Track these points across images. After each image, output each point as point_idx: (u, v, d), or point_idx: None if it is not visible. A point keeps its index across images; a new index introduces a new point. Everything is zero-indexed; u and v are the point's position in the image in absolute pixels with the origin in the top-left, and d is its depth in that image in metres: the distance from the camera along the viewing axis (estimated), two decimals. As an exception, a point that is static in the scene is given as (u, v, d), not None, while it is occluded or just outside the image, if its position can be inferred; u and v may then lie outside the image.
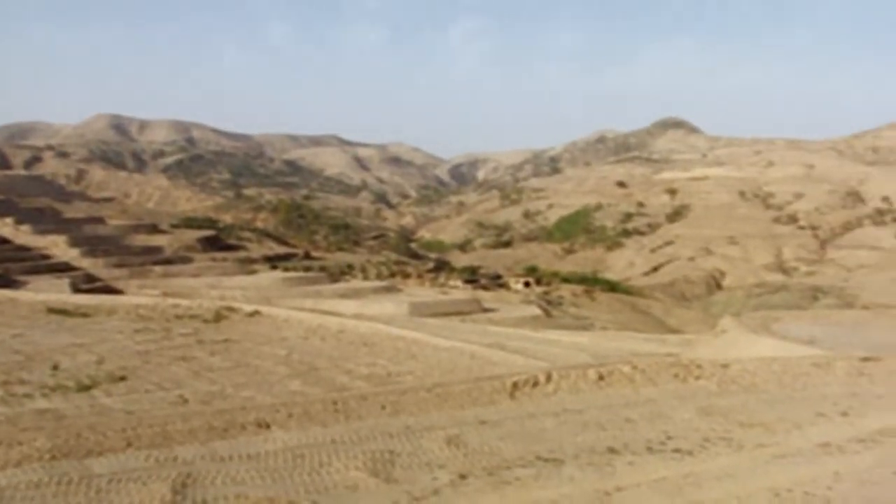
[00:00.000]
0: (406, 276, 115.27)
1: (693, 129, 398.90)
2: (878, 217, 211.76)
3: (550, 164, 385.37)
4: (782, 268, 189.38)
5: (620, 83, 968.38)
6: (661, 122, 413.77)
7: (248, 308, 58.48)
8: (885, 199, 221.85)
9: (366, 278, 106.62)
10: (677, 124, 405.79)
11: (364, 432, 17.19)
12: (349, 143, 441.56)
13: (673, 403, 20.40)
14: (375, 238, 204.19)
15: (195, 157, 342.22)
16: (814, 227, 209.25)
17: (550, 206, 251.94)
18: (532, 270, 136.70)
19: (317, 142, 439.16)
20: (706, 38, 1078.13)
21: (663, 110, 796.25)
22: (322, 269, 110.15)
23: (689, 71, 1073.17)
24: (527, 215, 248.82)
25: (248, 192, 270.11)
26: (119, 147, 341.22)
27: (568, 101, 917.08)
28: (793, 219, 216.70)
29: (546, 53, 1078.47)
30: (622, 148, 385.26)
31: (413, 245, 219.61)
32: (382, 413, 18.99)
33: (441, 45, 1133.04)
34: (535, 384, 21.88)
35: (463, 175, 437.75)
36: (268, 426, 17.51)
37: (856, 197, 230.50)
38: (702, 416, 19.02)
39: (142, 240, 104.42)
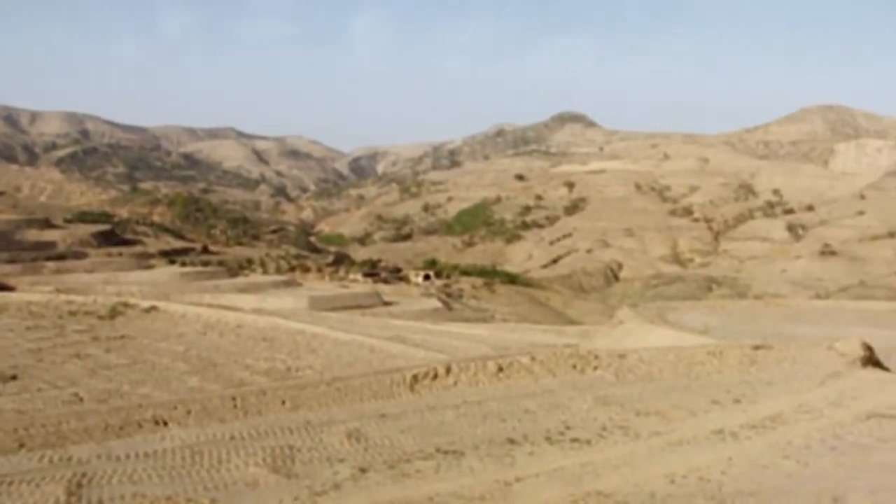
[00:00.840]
0: (306, 270, 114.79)
1: (590, 123, 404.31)
2: (769, 209, 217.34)
3: (450, 158, 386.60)
4: (678, 259, 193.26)
5: (519, 77, 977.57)
6: (559, 115, 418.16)
7: (145, 304, 57.63)
8: (776, 191, 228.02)
9: (265, 273, 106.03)
10: (575, 118, 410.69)
11: (263, 428, 17.07)
12: (247, 136, 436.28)
13: (571, 394, 20.65)
14: (275, 232, 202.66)
15: (89, 150, 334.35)
16: (708, 220, 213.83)
17: (450, 200, 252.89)
18: (432, 264, 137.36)
19: (214, 134, 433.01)
20: (603, 33, 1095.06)
21: (561, 104, 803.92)
22: (220, 263, 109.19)
23: (586, 65, 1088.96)
24: (426, 208, 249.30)
25: (145, 185, 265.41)
26: (9, 139, 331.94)
27: (467, 95, 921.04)
28: (688, 211, 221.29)
29: (445, 47, 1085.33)
30: (521, 141, 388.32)
31: (313, 239, 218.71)
32: (282, 408, 18.87)
33: (341, 38, 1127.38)
34: (435, 377, 21.96)
35: (362, 168, 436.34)
36: (165, 423, 17.27)
37: (748, 189, 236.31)
38: (599, 405, 19.30)
39: (34, 235, 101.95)
